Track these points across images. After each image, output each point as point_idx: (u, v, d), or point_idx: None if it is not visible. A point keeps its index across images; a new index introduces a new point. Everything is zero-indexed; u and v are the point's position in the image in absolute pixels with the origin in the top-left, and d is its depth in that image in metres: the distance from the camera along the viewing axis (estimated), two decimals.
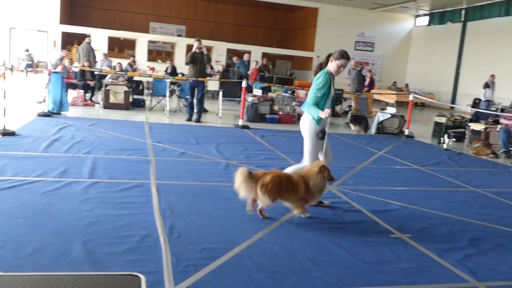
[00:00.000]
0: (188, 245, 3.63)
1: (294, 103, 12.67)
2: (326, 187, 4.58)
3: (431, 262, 3.70)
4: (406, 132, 11.69)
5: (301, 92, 13.67)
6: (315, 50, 28.05)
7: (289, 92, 13.71)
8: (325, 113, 4.59)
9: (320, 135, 4.80)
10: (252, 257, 3.50)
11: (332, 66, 4.85)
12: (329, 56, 4.89)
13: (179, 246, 3.59)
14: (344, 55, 4.80)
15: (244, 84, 10.98)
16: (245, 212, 4.55)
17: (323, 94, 4.75)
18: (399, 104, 22.99)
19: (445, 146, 10.08)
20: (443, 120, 11.96)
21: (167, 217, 4.23)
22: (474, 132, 10.83)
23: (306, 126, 4.85)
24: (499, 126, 10.26)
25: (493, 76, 18.46)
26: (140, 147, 7.36)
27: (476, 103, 21.39)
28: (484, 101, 18.21)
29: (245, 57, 16.70)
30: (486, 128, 10.60)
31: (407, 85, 27.03)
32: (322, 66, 4.98)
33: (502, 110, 15.81)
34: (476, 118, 12.01)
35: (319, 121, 4.75)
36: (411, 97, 12.20)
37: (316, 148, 4.87)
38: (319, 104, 4.74)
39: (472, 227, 4.69)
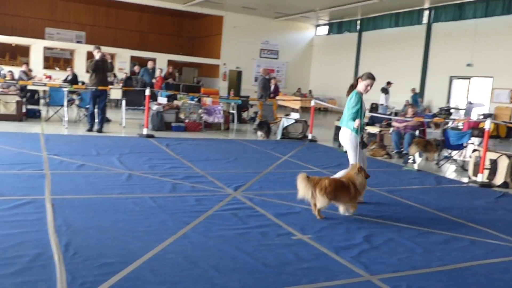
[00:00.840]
0: (85, 262, 3.47)
1: (200, 110, 12.66)
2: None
3: (329, 260, 3.89)
4: (310, 136, 12.19)
5: (207, 100, 13.66)
6: (221, 58, 28.34)
7: (196, 99, 13.66)
8: (356, 123, 5.56)
9: (361, 145, 5.82)
10: (154, 269, 3.44)
11: (361, 86, 5.75)
12: (358, 78, 5.78)
13: (75, 264, 3.42)
14: (369, 76, 5.73)
15: (147, 92, 10.76)
16: (148, 223, 4.46)
17: (357, 110, 5.62)
18: (304, 109, 23.92)
19: (344, 149, 10.64)
20: None
21: (62, 233, 4.01)
22: (370, 135, 11.57)
23: (348, 138, 5.81)
24: (392, 129, 11.06)
25: (389, 83, 19.93)
26: (34, 160, 6.90)
27: (373, 107, 22.90)
28: (383, 105, 19.59)
29: (149, 64, 16.38)
30: (380, 131, 11.37)
31: (310, 91, 28.22)
32: (353, 87, 5.82)
33: (396, 114, 17.10)
34: (372, 121, 12.83)
35: (356, 131, 5.66)
36: (312, 103, 12.75)
37: (357, 155, 5.81)
38: (355, 119, 5.63)
39: (367, 225, 5.00)
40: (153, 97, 13.97)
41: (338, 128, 12.68)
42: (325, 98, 27.00)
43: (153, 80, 16.30)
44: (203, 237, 4.20)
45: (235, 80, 29.42)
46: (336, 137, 12.55)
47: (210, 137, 11.42)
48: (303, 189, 4.95)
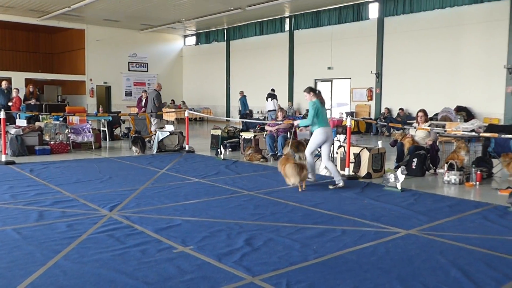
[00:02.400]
0: None
1: (67, 130, 11.92)
2: None
3: (212, 269, 3.91)
4: (187, 147, 12.16)
5: (74, 118, 12.91)
6: (87, 73, 27.00)
7: (61, 119, 12.85)
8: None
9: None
10: None
11: None
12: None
13: None
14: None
15: (2, 114, 9.83)
16: (12, 258, 4.07)
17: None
18: (180, 121, 23.84)
19: (222, 156, 10.81)
20: (218, 132, 12.84)
21: None
22: (246, 140, 11.91)
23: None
24: (265, 133, 11.52)
25: (274, 90, 20.68)
26: None
27: (247, 113, 23.61)
28: (269, 110, 20.20)
29: (3, 84, 15.01)
30: (255, 136, 11.76)
31: (184, 102, 28.17)
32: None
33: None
34: (246, 127, 13.22)
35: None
36: (186, 113, 12.75)
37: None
38: None
39: (247, 228, 5.13)
40: (11, 120, 12.85)
41: (214, 137, 12.88)
42: (199, 108, 27.17)
43: (10, 103, 14.95)
44: (76, 264, 3.95)
45: (104, 96, 28.25)
46: (212, 146, 12.71)
47: (80, 158, 10.81)
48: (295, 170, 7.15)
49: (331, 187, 7.56)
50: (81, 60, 27.24)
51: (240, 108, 21.90)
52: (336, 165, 8.39)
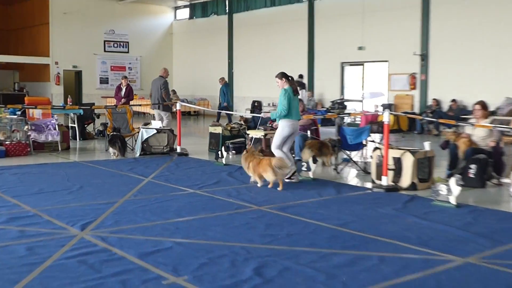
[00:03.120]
0: None
1: (26, 127, 12.00)
2: None
3: None
4: (178, 149, 12.16)
5: (35, 112, 12.97)
6: (51, 55, 27.15)
7: (19, 113, 12.94)
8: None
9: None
10: None
11: None
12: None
13: None
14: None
15: None
16: None
17: None
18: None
19: (224, 161, 10.79)
20: (218, 130, 12.81)
21: None
22: (254, 140, 11.87)
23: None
24: None
25: (302, 76, 20.57)
26: None
27: (255, 106, 23.66)
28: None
29: None
30: (265, 135, 11.71)
31: (174, 92, 28.21)
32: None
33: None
34: (254, 124, 13.21)
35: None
36: (178, 106, 12.75)
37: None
38: None
39: (256, 253, 5.10)
40: None
41: (213, 136, 12.88)
42: (194, 99, 27.23)
43: None
44: None
45: (74, 83, 28.42)
46: (211, 148, 12.71)
47: (44, 162, 10.91)
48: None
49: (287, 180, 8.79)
50: (44, 38, 27.42)
51: (220, 100, 21.25)
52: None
